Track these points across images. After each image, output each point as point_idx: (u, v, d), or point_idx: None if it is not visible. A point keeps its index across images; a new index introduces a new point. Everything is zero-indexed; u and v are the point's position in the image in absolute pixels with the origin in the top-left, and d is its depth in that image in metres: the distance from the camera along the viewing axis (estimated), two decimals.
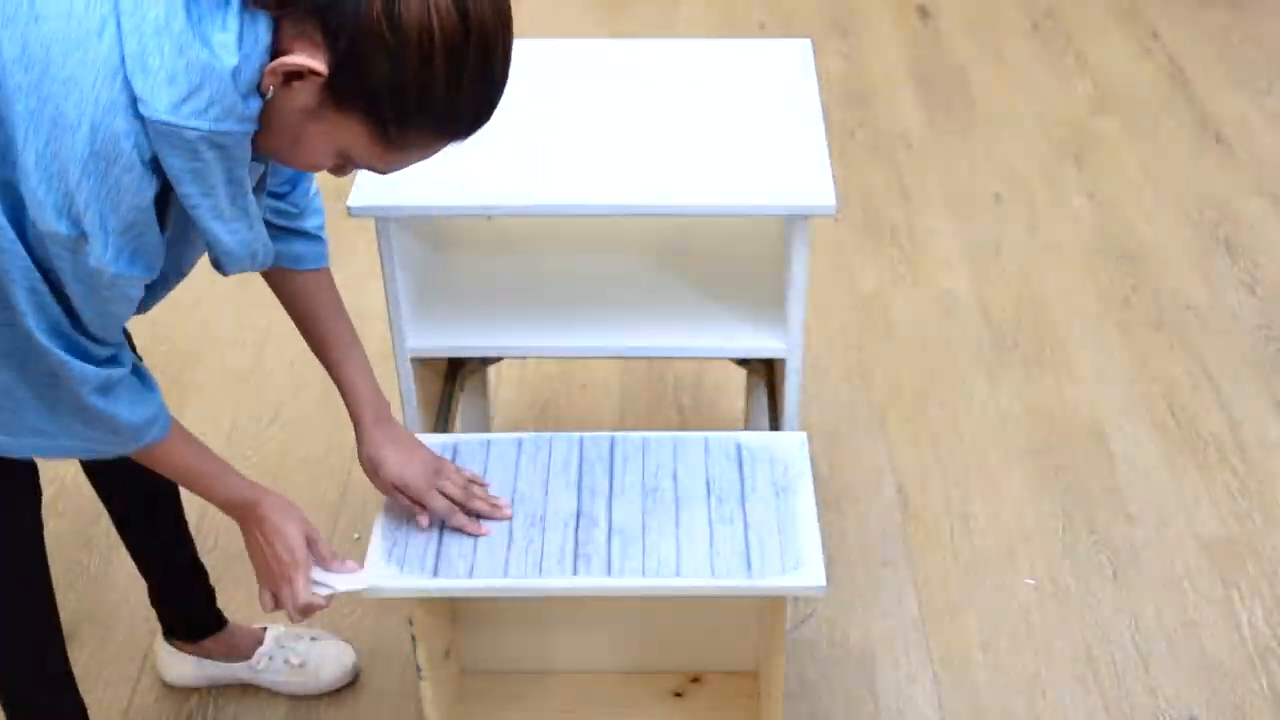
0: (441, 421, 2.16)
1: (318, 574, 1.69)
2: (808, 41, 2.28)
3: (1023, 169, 3.55)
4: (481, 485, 1.77)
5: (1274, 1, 4.34)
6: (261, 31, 1.27)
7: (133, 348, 1.87)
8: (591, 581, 1.66)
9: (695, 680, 2.00)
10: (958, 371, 2.87)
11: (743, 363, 2.30)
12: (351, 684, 2.22)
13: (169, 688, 2.23)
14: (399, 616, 2.33)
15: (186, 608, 2.16)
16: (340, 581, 1.68)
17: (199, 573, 2.13)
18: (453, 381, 2.24)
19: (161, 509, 2.03)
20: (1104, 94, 3.88)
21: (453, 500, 1.72)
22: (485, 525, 1.73)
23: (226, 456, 2.62)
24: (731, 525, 1.73)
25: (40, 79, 1.23)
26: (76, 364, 1.39)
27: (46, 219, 1.27)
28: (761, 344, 2.02)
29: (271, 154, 1.38)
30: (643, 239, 2.21)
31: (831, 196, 1.88)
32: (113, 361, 1.44)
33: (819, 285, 3.12)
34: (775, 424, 2.19)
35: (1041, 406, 2.77)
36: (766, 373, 2.27)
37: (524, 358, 2.55)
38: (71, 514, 2.54)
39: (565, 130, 2.04)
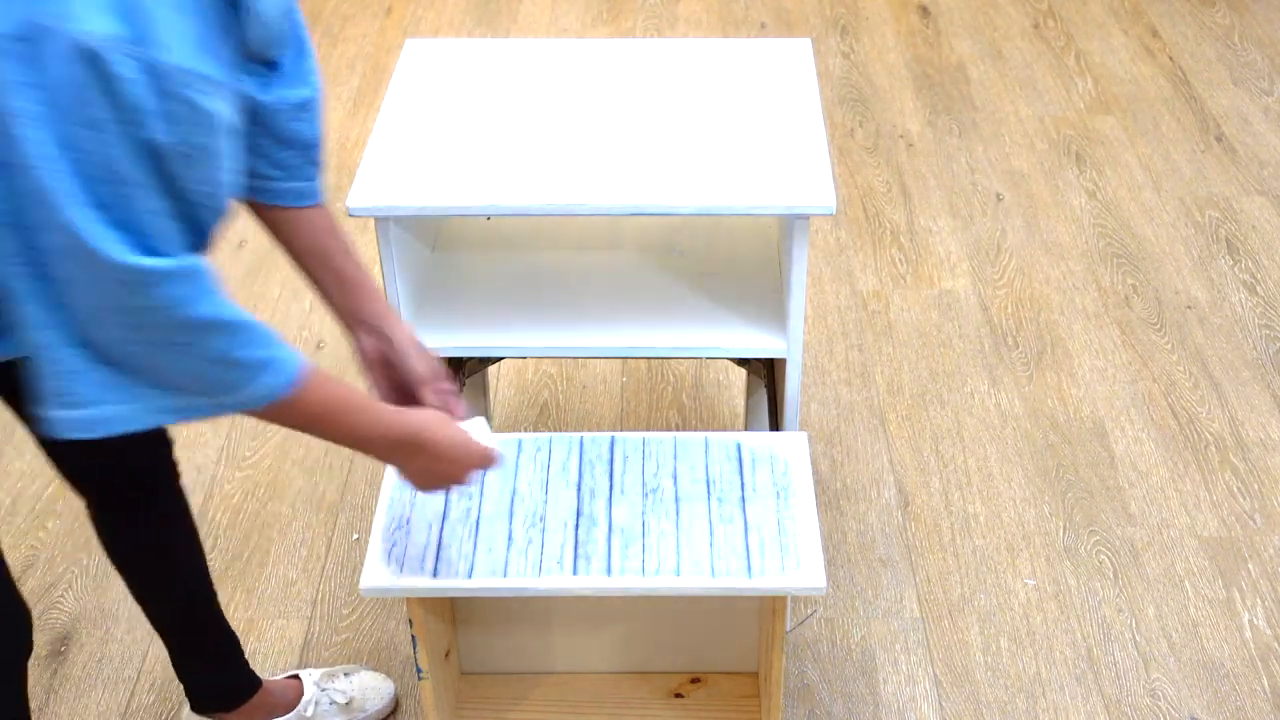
0: None
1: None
2: (808, 41, 2.28)
3: (1023, 169, 3.54)
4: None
5: (1274, 1, 4.33)
6: None
7: None
8: (591, 581, 1.66)
9: (695, 680, 2.00)
10: (958, 371, 2.87)
11: (743, 363, 2.30)
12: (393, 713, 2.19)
13: (167, 687, 2.22)
14: (399, 617, 2.33)
15: (216, 673, 2.05)
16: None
17: (230, 636, 2.03)
18: (453, 381, 2.23)
19: (180, 561, 1.93)
20: (1104, 94, 3.88)
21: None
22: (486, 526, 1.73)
23: (226, 457, 2.65)
24: (731, 525, 1.73)
25: None
26: (145, 260, 1.14)
27: (90, 19, 1.01)
28: (761, 344, 2.02)
29: None
30: (643, 239, 2.21)
31: (831, 196, 1.88)
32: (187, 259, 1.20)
33: (819, 285, 3.12)
34: (775, 424, 2.19)
35: (1041, 406, 2.77)
36: (766, 373, 2.27)
37: (524, 358, 2.55)
38: (70, 514, 2.54)
39: (565, 130, 2.04)
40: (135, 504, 1.85)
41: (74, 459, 1.77)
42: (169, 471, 1.86)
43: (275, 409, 1.37)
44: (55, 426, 1.28)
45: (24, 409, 1.64)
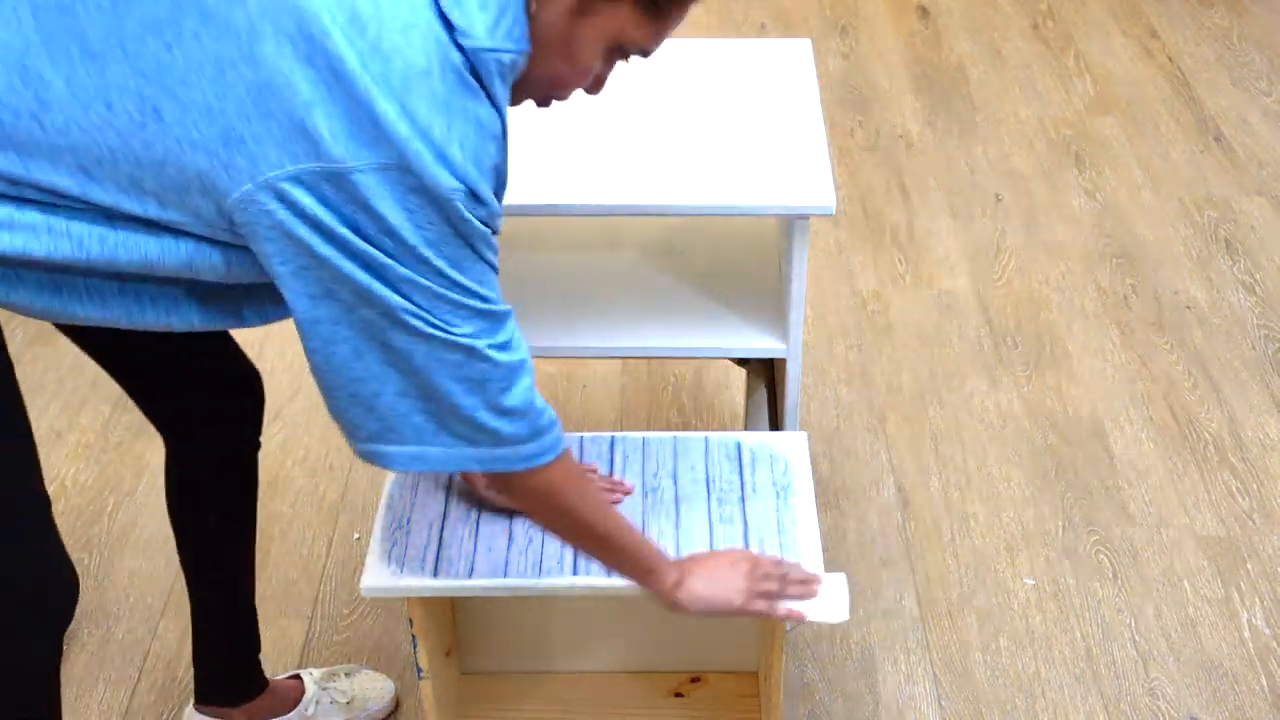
0: None
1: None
2: (808, 41, 2.28)
3: (1023, 169, 3.55)
4: (592, 470, 1.76)
5: (1274, 1, 4.34)
6: None
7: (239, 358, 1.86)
8: (591, 581, 1.66)
9: (695, 680, 2.00)
10: (958, 371, 2.87)
11: (743, 363, 2.30)
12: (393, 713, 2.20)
13: (169, 686, 2.23)
14: (399, 617, 2.33)
15: (234, 663, 2.05)
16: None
17: (255, 625, 2.05)
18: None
19: (234, 531, 1.95)
20: (1104, 94, 3.88)
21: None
22: (487, 526, 1.73)
23: None
24: (731, 525, 1.73)
25: (379, 37, 1.25)
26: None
27: (439, 177, 1.27)
28: (761, 344, 2.02)
29: (540, 77, 1.40)
30: (643, 239, 2.22)
31: (831, 196, 1.88)
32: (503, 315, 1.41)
33: (819, 285, 3.12)
34: (775, 424, 2.19)
35: (1041, 406, 2.77)
36: (766, 373, 2.27)
37: None
38: (71, 514, 2.54)
39: (565, 130, 2.04)
40: (213, 454, 1.88)
41: (162, 400, 1.82)
42: (254, 431, 1.90)
43: (549, 474, 1.47)
44: (375, 459, 1.43)
45: (107, 360, 1.74)
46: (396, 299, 1.32)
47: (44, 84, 1.29)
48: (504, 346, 1.39)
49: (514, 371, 1.40)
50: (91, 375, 2.76)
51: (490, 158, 1.33)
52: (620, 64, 1.46)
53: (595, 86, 1.46)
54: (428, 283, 1.32)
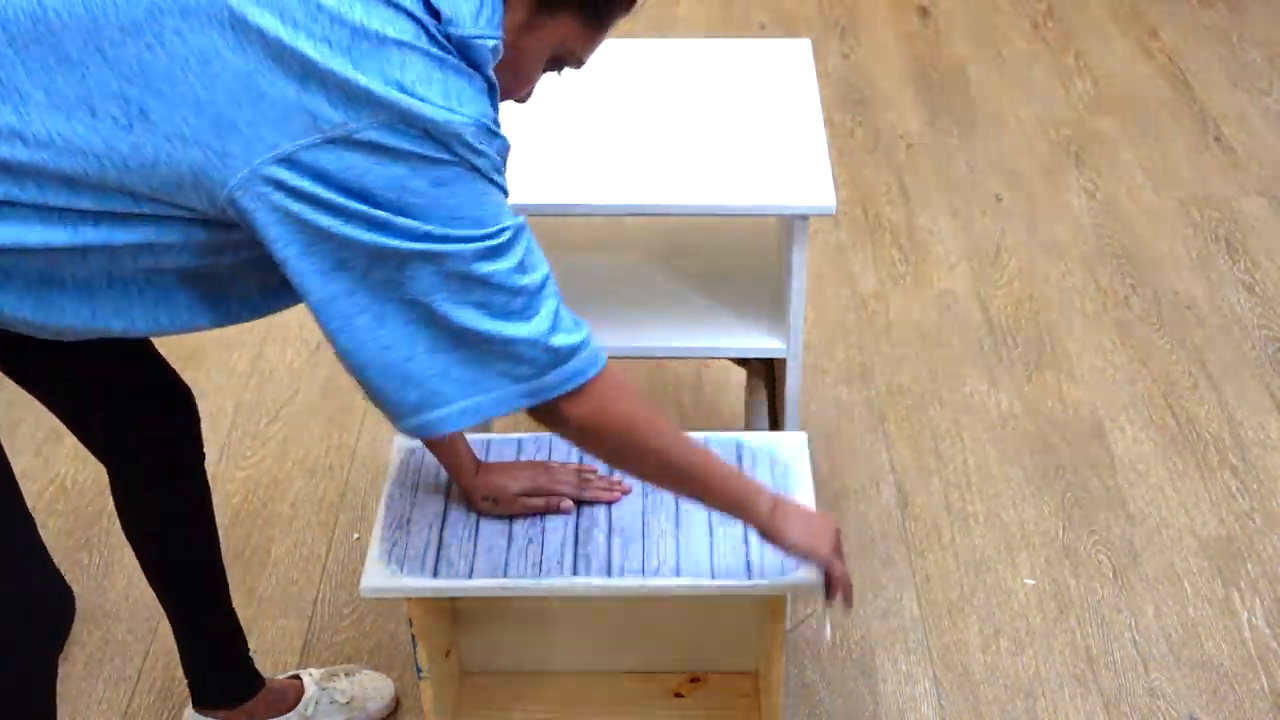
0: None
1: None
2: (808, 41, 2.28)
3: (1023, 169, 3.55)
4: (591, 471, 1.79)
5: (1273, 2, 4.34)
6: None
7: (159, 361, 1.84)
8: (591, 581, 1.66)
9: (695, 680, 2.00)
10: (958, 371, 2.87)
11: (743, 363, 2.31)
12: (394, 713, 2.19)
13: (169, 686, 2.23)
14: (399, 617, 2.33)
15: (224, 667, 2.05)
16: None
17: (237, 626, 2.04)
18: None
19: (194, 542, 1.94)
20: (1104, 94, 3.88)
21: (571, 494, 1.76)
22: (487, 524, 1.74)
23: (227, 456, 2.65)
24: (732, 525, 1.73)
25: (366, 17, 1.27)
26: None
27: (440, 116, 1.28)
28: (761, 344, 2.02)
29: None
30: (643, 239, 2.22)
31: (831, 196, 1.88)
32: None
33: (819, 285, 3.12)
34: (775, 424, 2.19)
35: (1041, 406, 2.77)
36: (766, 373, 2.28)
37: None
38: (71, 514, 2.54)
39: (565, 130, 2.04)
40: (154, 475, 1.85)
41: (96, 427, 1.79)
42: (193, 446, 1.87)
43: (599, 389, 1.46)
44: (428, 430, 1.40)
45: (37, 384, 1.71)
46: (409, 244, 1.30)
47: (22, 97, 1.27)
48: (521, 268, 1.37)
49: (537, 291, 1.39)
50: None
51: (489, 115, 1.33)
52: (553, 76, 1.47)
53: (526, 96, 1.48)
54: (435, 227, 1.31)
